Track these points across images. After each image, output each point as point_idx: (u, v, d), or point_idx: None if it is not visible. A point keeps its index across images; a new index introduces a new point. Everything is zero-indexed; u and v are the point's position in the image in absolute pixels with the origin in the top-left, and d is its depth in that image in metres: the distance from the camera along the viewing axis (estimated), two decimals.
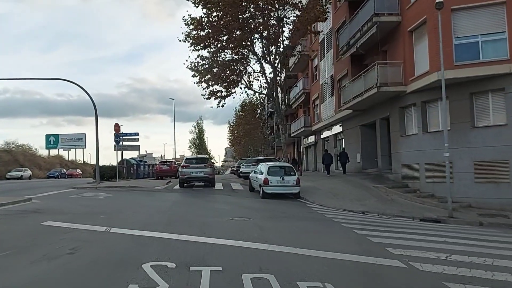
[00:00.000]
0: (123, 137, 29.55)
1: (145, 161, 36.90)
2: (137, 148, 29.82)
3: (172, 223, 9.06)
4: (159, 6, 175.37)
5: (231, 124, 73.11)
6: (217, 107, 23.86)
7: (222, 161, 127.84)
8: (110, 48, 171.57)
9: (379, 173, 19.94)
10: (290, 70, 34.59)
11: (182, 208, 12.36)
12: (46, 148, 68.42)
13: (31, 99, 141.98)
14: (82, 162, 68.90)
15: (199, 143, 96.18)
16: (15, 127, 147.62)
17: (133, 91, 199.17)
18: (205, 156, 23.59)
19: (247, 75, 23.19)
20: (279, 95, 27.98)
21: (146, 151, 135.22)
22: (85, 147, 67.68)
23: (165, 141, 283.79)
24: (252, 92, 59.07)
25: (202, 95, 23.38)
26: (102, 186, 20.69)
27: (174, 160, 35.27)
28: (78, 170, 56.03)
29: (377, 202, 14.82)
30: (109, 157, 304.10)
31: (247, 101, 52.71)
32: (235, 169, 36.11)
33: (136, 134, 30.24)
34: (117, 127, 22.76)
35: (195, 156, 25.00)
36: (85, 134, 66.82)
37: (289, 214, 11.71)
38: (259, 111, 53.77)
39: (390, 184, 17.25)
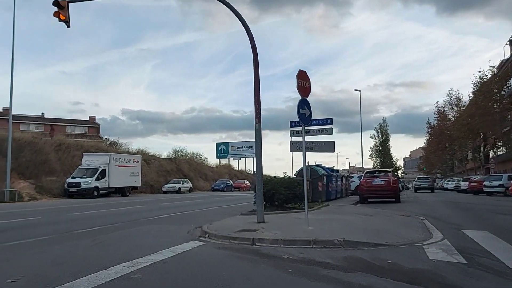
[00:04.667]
0: (307, 126, 16.85)
1: (337, 171, 23.32)
2: (330, 147, 16.75)
3: None
4: (323, 19, 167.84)
5: (433, 123, 54.73)
6: None
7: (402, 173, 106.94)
8: (279, 65, 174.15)
9: None
10: None
11: None
12: (217, 157, 64.55)
13: (212, 116, 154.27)
14: (252, 172, 62.02)
15: (383, 151, 78.72)
16: (200, 142, 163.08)
17: None
18: (428, 176, 49.18)
19: None
20: None
21: (315, 162, 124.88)
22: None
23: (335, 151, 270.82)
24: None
25: None
26: (267, 231, 7.93)
27: (391, 171, 20.84)
28: (246, 181, 47.82)
29: None
30: (280, 168, 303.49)
31: (483, 78, 33.54)
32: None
33: (329, 121, 17.01)
34: (304, 78, 9.03)
35: (423, 176, 50.46)
36: (255, 141, 60.24)
37: None
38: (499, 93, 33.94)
39: None
